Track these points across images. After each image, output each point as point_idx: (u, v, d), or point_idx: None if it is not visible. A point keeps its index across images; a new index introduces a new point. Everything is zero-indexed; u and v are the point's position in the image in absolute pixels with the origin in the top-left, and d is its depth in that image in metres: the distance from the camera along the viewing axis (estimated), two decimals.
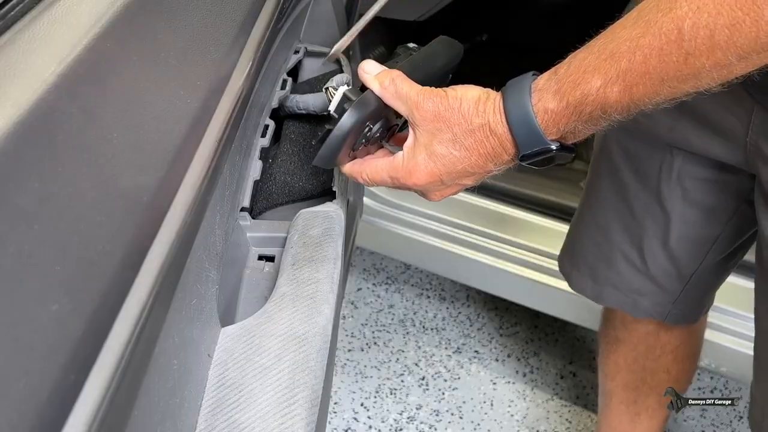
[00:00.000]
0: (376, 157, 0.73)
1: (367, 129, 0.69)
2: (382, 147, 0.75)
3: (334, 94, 0.70)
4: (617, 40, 0.57)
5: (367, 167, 0.71)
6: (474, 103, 0.65)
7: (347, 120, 0.67)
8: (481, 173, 0.68)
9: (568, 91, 0.60)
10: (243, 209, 0.77)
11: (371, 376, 1.76)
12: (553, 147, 0.63)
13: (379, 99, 0.68)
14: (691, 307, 1.14)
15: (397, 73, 0.68)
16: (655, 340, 1.22)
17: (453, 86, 0.67)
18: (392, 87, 0.67)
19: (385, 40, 1.77)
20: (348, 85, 0.72)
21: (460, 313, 1.92)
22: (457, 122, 0.65)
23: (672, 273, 1.08)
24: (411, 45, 0.77)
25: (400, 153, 0.69)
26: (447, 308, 1.93)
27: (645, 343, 1.23)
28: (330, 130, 0.67)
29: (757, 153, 0.85)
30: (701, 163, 0.96)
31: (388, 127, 0.73)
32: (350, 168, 0.72)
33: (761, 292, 0.94)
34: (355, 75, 0.73)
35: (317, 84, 0.93)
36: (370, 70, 0.69)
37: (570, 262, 1.18)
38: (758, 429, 1.00)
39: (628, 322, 1.23)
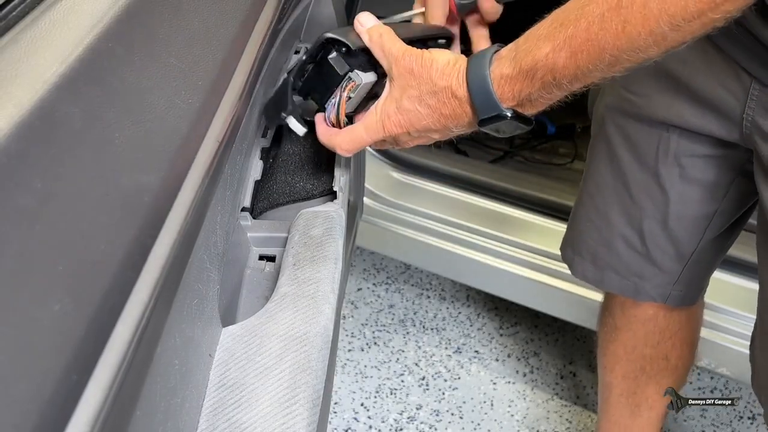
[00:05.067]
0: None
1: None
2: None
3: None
4: (567, 10, 0.62)
5: (343, 133, 0.76)
6: (443, 66, 0.70)
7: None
8: (445, 131, 0.73)
9: (521, 58, 0.65)
10: (244, 209, 0.77)
11: (371, 376, 1.76)
12: (508, 114, 0.67)
13: None
14: (690, 288, 1.15)
15: (386, 29, 0.73)
16: (654, 325, 1.23)
17: (430, 49, 0.72)
18: (380, 41, 0.73)
19: None
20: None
21: (460, 313, 1.92)
22: (425, 81, 0.70)
23: (672, 253, 1.09)
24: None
25: (373, 106, 0.74)
26: (447, 308, 1.93)
27: (644, 329, 1.23)
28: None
29: (755, 128, 0.87)
30: (697, 140, 0.97)
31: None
32: (328, 140, 0.77)
33: (765, 261, 0.95)
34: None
35: None
36: (365, 22, 0.74)
37: (572, 248, 1.19)
38: (766, 395, 1.00)
39: (627, 308, 1.23)
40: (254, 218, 0.81)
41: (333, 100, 0.75)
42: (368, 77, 0.75)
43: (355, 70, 0.74)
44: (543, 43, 0.63)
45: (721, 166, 0.99)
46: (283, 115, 0.77)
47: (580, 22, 0.60)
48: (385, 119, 0.73)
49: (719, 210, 1.04)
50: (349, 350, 1.82)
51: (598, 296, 1.37)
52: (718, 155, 0.98)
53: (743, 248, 1.32)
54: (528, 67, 0.64)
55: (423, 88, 0.70)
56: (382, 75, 0.76)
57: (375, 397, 1.72)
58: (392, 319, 1.90)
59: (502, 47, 0.68)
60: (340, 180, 0.83)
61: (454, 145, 2.01)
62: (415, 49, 0.71)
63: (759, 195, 0.91)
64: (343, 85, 0.75)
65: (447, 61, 0.70)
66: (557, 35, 0.62)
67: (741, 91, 0.86)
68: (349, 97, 0.75)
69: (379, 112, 0.73)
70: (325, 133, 0.76)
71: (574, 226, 1.19)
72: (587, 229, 1.14)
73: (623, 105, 1.01)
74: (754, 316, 1.02)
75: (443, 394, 1.73)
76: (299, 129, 0.78)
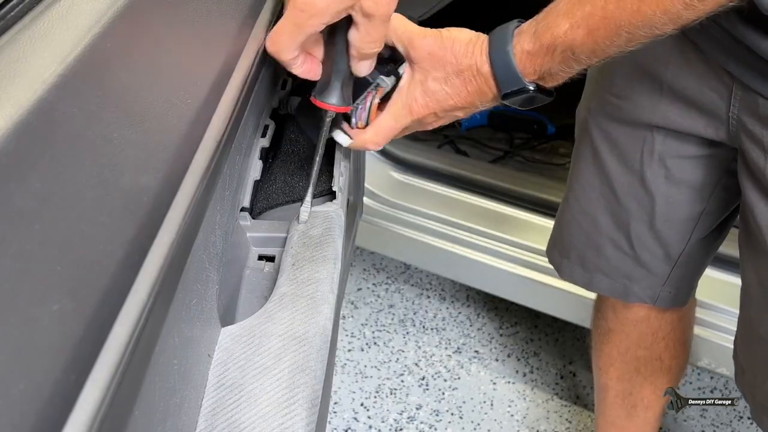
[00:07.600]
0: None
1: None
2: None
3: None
4: None
5: (371, 129, 0.76)
6: (465, 45, 0.70)
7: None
8: (470, 108, 0.74)
9: (541, 34, 0.66)
10: (243, 209, 0.77)
11: (371, 376, 1.76)
12: (531, 87, 0.69)
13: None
14: (680, 289, 1.15)
15: (397, 15, 0.72)
16: (647, 326, 1.23)
17: (447, 28, 0.72)
18: (392, 25, 0.71)
19: None
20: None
21: (460, 313, 1.92)
22: (449, 61, 0.71)
23: (660, 255, 1.09)
24: None
25: (396, 94, 0.75)
26: (447, 308, 1.93)
27: (637, 331, 1.24)
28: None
29: (741, 127, 0.86)
30: (683, 141, 0.97)
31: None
32: (357, 141, 0.77)
33: (747, 259, 0.95)
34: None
35: None
36: None
37: (559, 251, 1.19)
38: (752, 392, 1.00)
39: (619, 310, 1.23)
40: (253, 218, 0.81)
41: (361, 106, 0.76)
42: (392, 81, 0.76)
43: (381, 76, 0.75)
44: (562, 20, 0.65)
45: (706, 166, 0.99)
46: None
47: (597, 0, 0.62)
48: (412, 103, 0.73)
49: (706, 210, 1.04)
50: (349, 350, 1.82)
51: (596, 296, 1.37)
52: (704, 155, 0.98)
53: None
54: (548, 43, 0.66)
55: (448, 68, 0.71)
56: (397, 76, 0.76)
57: (375, 397, 1.72)
58: (392, 319, 1.90)
59: (523, 23, 0.69)
60: (340, 180, 0.83)
61: (454, 145, 2.02)
62: (431, 29, 0.72)
63: (742, 193, 0.91)
64: (374, 92, 0.76)
65: (468, 39, 0.70)
66: (575, 12, 0.64)
67: (725, 90, 0.86)
68: (379, 102, 0.77)
69: (405, 98, 0.74)
70: (354, 136, 0.77)
71: (560, 229, 1.18)
72: (575, 232, 1.14)
73: (606, 108, 1.01)
74: None
75: (443, 394, 1.73)
76: (346, 140, 0.79)
